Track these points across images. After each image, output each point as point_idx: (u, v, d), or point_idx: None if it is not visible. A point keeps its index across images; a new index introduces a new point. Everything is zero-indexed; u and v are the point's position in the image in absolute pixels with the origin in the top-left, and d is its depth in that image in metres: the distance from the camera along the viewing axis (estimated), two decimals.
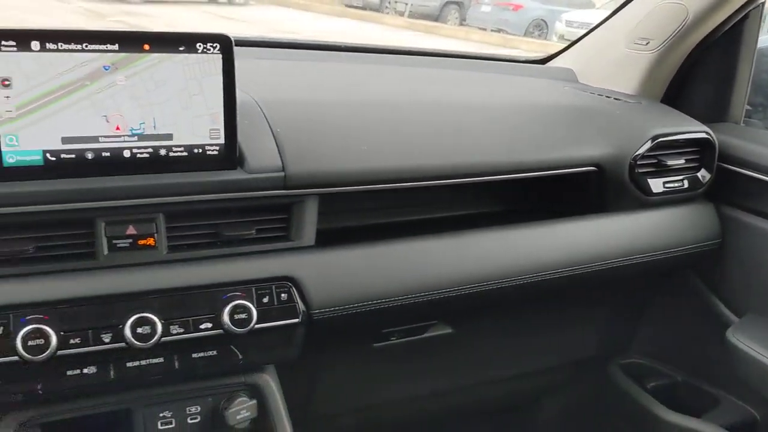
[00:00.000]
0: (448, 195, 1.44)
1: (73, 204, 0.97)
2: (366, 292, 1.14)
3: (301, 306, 1.08)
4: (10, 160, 0.93)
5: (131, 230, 1.01)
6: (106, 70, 0.95)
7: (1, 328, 0.92)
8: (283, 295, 1.07)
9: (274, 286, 1.06)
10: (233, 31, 1.04)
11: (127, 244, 1.01)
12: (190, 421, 1.09)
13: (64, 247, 0.99)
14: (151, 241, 1.03)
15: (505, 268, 1.28)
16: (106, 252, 1.00)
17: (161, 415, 1.08)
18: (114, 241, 1.01)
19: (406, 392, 1.55)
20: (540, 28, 13.20)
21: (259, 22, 11.87)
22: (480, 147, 1.31)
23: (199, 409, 1.10)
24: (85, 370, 0.96)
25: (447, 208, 1.46)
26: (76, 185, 0.97)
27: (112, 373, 0.98)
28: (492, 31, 12.60)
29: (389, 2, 14.90)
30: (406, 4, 14.05)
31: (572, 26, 12.03)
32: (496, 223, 1.33)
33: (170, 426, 1.08)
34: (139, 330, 0.96)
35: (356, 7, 15.03)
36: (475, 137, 1.32)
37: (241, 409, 1.08)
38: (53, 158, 0.96)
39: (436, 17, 13.93)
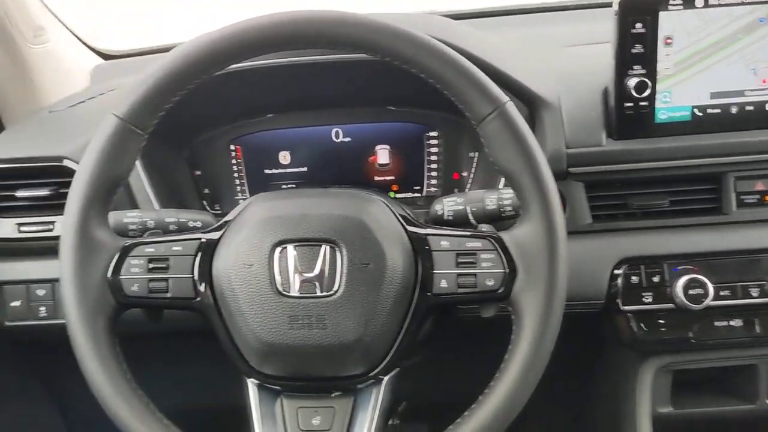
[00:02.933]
0: None
1: (708, 159, 0.98)
2: None
3: None
4: (662, 116, 0.98)
5: (759, 186, 1.00)
6: (761, 22, 0.95)
7: (658, 276, 0.97)
8: None
9: None
10: None
11: (755, 200, 1.00)
12: None
13: (691, 201, 1.02)
14: None
15: None
16: (734, 208, 1.00)
17: None
18: (742, 197, 1.00)
19: None
20: None
21: None
22: None
23: None
24: (732, 323, 0.98)
25: None
26: (713, 140, 0.98)
27: (757, 327, 0.98)
28: None
29: None
30: None
31: None
32: None
33: None
34: None
35: None
36: None
37: None
38: (700, 113, 0.98)
39: None
